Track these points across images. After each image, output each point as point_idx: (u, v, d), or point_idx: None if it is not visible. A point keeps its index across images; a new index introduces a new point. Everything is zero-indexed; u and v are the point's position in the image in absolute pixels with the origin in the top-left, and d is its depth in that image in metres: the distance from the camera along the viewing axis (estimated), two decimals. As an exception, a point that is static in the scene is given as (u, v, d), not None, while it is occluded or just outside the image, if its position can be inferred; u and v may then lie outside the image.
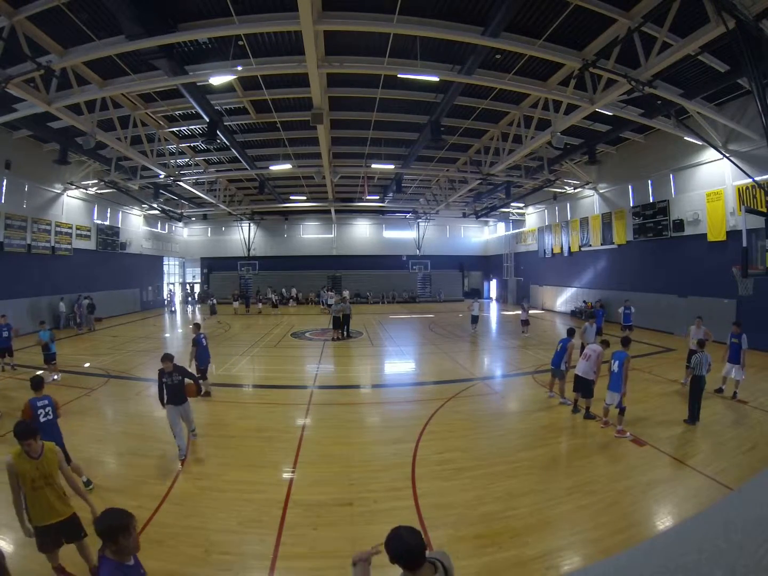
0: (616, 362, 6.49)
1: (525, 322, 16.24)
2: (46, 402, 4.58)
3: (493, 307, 29.64)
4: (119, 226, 23.84)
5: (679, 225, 15.41)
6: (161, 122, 14.70)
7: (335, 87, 12.24)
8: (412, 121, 14.57)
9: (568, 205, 23.32)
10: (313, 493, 4.76)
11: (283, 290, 31.68)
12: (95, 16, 8.54)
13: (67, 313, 18.33)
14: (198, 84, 11.10)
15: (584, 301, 21.18)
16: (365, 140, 16.47)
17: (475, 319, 17.01)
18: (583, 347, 8.39)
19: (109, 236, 22.73)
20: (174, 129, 15.37)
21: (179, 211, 27.31)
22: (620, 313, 14.33)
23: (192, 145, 17.22)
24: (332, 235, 33.03)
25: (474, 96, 12.82)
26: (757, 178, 10.50)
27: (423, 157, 18.22)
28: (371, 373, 11.32)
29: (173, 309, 27.27)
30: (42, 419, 4.44)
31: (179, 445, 5.63)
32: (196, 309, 28.10)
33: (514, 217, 29.64)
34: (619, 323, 14.93)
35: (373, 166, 17.94)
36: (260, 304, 26.56)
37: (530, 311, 17.26)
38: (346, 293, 22.24)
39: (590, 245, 21.01)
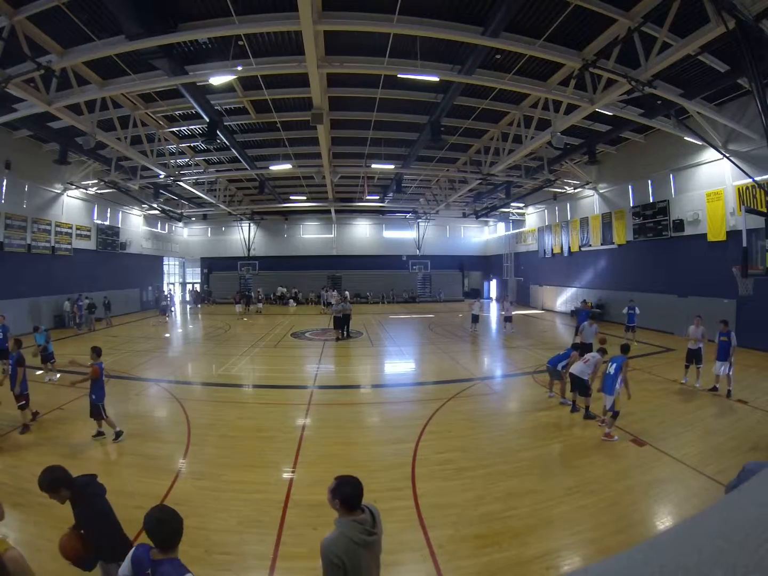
0: (613, 365, 6.47)
1: (508, 319, 16.43)
2: (103, 365, 6.53)
3: (493, 307, 29.64)
4: (119, 226, 23.85)
5: (679, 225, 15.41)
6: (161, 122, 14.70)
7: (335, 87, 12.24)
8: (412, 121, 14.57)
9: (568, 205, 23.32)
10: (313, 493, 4.74)
11: (284, 289, 31.72)
12: (95, 16, 8.54)
13: (71, 312, 18.37)
14: (198, 84, 11.11)
15: (584, 300, 21.18)
16: (365, 140, 16.47)
17: (475, 319, 17.10)
18: (583, 352, 8.37)
19: (109, 236, 22.73)
20: (174, 129, 15.38)
21: (179, 211, 27.32)
22: (624, 314, 14.29)
23: (192, 145, 17.23)
24: (332, 235, 33.03)
25: (474, 96, 12.82)
26: (757, 178, 10.50)
27: (423, 157, 18.21)
28: (371, 373, 11.32)
29: (172, 310, 24.96)
30: (103, 377, 6.42)
31: None
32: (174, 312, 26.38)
33: (514, 217, 29.63)
34: (622, 323, 14.94)
35: (373, 166, 17.95)
36: (238, 306, 24.92)
37: (513, 311, 17.20)
38: (346, 293, 22.24)
39: (590, 245, 21.01)
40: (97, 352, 6.48)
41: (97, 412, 6.24)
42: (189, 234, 33.87)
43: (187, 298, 31.48)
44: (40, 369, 10.01)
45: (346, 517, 2.32)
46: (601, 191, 20.24)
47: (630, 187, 18.18)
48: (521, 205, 27.20)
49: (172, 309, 25.88)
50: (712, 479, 4.86)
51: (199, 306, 30.10)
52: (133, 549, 2.16)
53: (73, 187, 18.93)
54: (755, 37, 7.07)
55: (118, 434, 6.23)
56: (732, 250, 12.45)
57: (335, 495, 2.31)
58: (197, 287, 33.51)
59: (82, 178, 18.96)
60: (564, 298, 23.99)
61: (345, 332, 15.90)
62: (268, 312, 25.78)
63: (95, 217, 21.61)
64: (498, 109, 13.69)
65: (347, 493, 2.32)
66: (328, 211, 29.34)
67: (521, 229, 29.38)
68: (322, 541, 2.23)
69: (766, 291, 10.46)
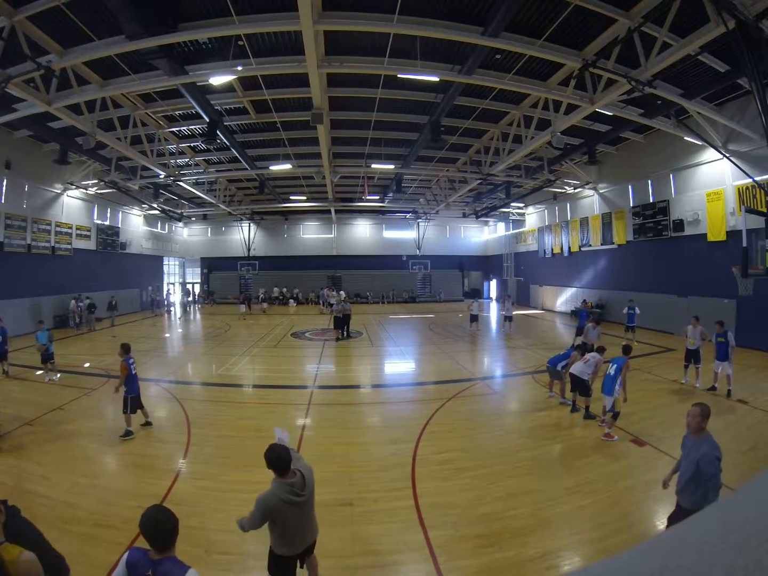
0: (614, 366, 6.47)
1: (508, 318, 16.67)
2: (132, 360, 6.66)
3: (493, 306, 29.65)
4: (119, 226, 23.85)
5: (679, 225, 15.41)
6: (161, 122, 14.70)
7: (335, 87, 12.24)
8: (412, 121, 14.56)
9: (568, 205, 23.32)
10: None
11: (284, 290, 31.73)
12: (95, 16, 8.54)
13: (73, 312, 18.38)
14: (198, 84, 11.10)
15: (584, 300, 21.22)
16: (365, 140, 16.47)
17: (474, 318, 17.20)
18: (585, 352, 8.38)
19: (109, 236, 22.73)
20: (174, 129, 15.37)
21: (179, 211, 27.30)
22: (624, 314, 14.29)
23: (192, 145, 17.22)
24: (332, 235, 33.03)
25: (474, 96, 12.82)
26: (757, 178, 10.49)
27: (423, 157, 18.22)
28: (371, 373, 11.32)
29: (169, 310, 26.04)
30: (133, 372, 6.57)
31: None
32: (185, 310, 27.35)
33: (514, 217, 29.64)
34: (622, 323, 14.95)
35: (373, 166, 17.94)
36: (242, 306, 24.52)
37: (514, 311, 17.51)
38: (342, 293, 22.25)
39: (590, 245, 21.01)
40: (125, 348, 6.67)
41: (125, 404, 6.40)
42: (189, 234, 33.85)
43: (188, 298, 31.18)
44: (40, 369, 10.01)
45: (279, 479, 2.80)
46: (601, 191, 20.24)
47: (630, 187, 18.18)
48: (521, 205, 27.20)
49: (171, 309, 26.10)
50: (712, 479, 4.86)
51: (198, 306, 30.02)
52: (127, 553, 2.13)
53: (73, 187, 18.92)
54: (755, 37, 7.06)
55: (128, 433, 6.29)
56: (732, 250, 12.44)
57: (268, 466, 2.83)
58: (196, 287, 33.42)
59: (82, 178, 18.95)
60: (564, 298, 23.99)
61: (345, 332, 15.90)
62: (270, 312, 25.75)
63: (95, 217, 21.61)
64: (498, 109, 13.68)
65: (268, 459, 2.82)
66: (328, 211, 29.34)
67: (521, 229, 29.38)
68: (258, 496, 2.76)
69: (766, 291, 10.46)
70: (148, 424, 6.77)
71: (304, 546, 2.97)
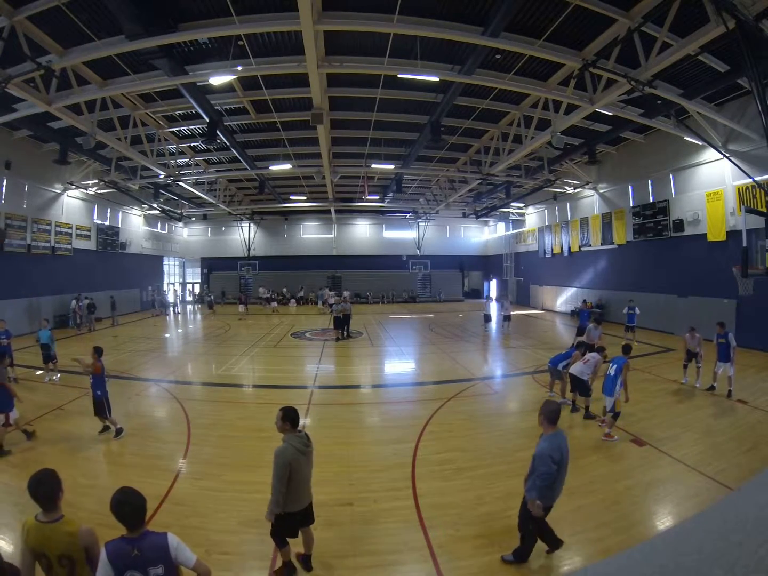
0: (614, 366, 6.45)
1: (507, 318, 16.88)
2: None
3: (493, 306, 29.62)
4: (119, 226, 23.84)
5: (679, 225, 15.41)
6: (161, 122, 14.70)
7: (335, 87, 12.24)
8: (412, 121, 14.57)
9: (568, 205, 23.32)
10: (313, 493, 4.75)
11: (284, 290, 31.76)
12: (95, 16, 8.54)
13: (73, 312, 18.39)
14: (198, 84, 11.10)
15: (584, 301, 21.21)
16: (365, 140, 16.47)
17: (488, 318, 17.45)
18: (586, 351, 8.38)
19: (109, 236, 22.73)
20: (174, 129, 15.37)
21: (179, 211, 27.29)
22: (624, 314, 14.28)
23: (192, 145, 17.22)
24: (332, 235, 33.02)
25: (474, 96, 12.82)
26: (757, 178, 10.49)
27: (423, 157, 18.22)
28: (371, 373, 11.32)
29: (175, 311, 26.14)
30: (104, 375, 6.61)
31: None
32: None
33: (514, 217, 29.63)
34: (622, 323, 14.95)
35: (373, 166, 17.95)
36: (242, 306, 25.18)
37: (512, 311, 17.76)
38: (345, 293, 22.30)
39: (590, 245, 21.01)
40: (98, 352, 6.63)
41: (101, 408, 6.33)
42: (189, 234, 33.85)
43: (212, 296, 30.26)
44: (40, 369, 10.01)
45: (291, 434, 3.33)
46: (601, 191, 20.24)
47: (630, 187, 18.18)
48: (521, 205, 27.20)
49: (176, 310, 26.02)
50: (712, 479, 4.86)
51: (198, 307, 29.90)
52: (103, 550, 2.15)
53: (73, 187, 18.92)
54: (755, 37, 7.06)
55: (119, 431, 6.28)
56: (732, 250, 12.46)
57: (285, 420, 3.33)
58: (196, 287, 33.33)
59: (82, 178, 18.95)
60: (564, 298, 23.99)
61: (345, 332, 15.90)
62: (267, 312, 25.75)
63: (95, 217, 21.60)
64: (498, 109, 13.68)
65: (287, 413, 3.35)
66: (328, 211, 29.33)
67: (521, 229, 29.38)
68: (276, 450, 3.23)
69: (766, 291, 10.46)
70: (106, 429, 6.45)
71: (306, 502, 3.42)
